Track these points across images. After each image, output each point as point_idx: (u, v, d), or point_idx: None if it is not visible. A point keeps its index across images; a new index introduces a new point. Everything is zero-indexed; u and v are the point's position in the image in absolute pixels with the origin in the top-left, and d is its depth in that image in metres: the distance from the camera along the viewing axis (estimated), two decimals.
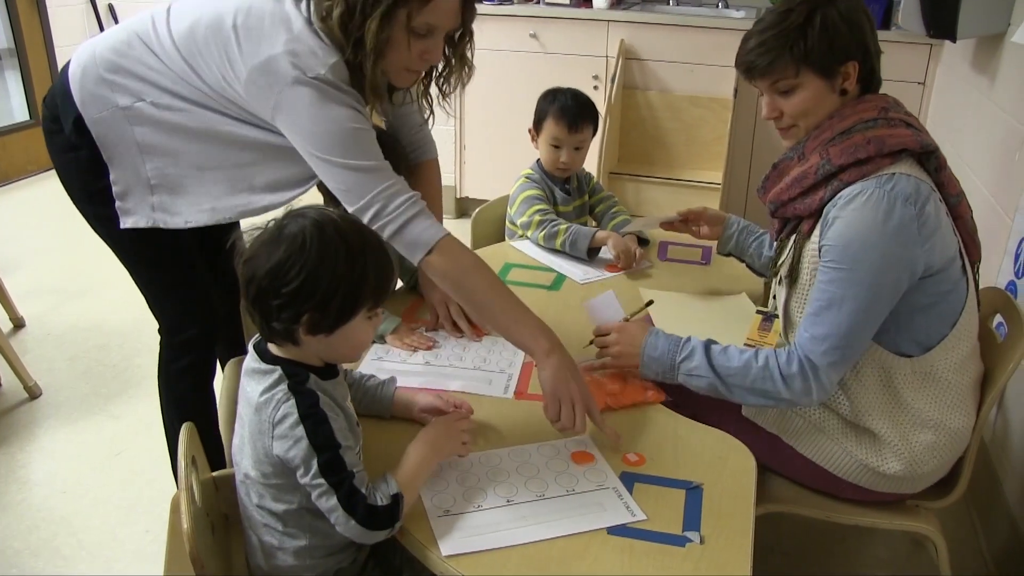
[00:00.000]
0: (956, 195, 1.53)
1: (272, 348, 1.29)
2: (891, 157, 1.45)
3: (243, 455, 1.31)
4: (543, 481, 1.37)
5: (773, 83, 1.52)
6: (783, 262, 1.61)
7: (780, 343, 1.67)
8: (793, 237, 1.59)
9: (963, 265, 1.52)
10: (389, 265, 1.29)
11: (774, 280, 1.68)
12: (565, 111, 2.31)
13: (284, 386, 1.24)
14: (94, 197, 1.74)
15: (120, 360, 2.99)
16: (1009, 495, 2.07)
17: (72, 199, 1.80)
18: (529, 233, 2.32)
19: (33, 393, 2.75)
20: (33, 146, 5.01)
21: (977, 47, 2.90)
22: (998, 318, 1.70)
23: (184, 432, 1.32)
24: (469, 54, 1.72)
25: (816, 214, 1.52)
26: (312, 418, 1.22)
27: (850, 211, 1.42)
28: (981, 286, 1.63)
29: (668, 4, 4.29)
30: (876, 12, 3.57)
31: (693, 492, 1.35)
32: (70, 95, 1.67)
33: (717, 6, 4.22)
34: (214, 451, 1.90)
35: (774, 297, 1.73)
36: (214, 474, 1.45)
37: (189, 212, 1.73)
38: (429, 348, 1.75)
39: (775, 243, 1.68)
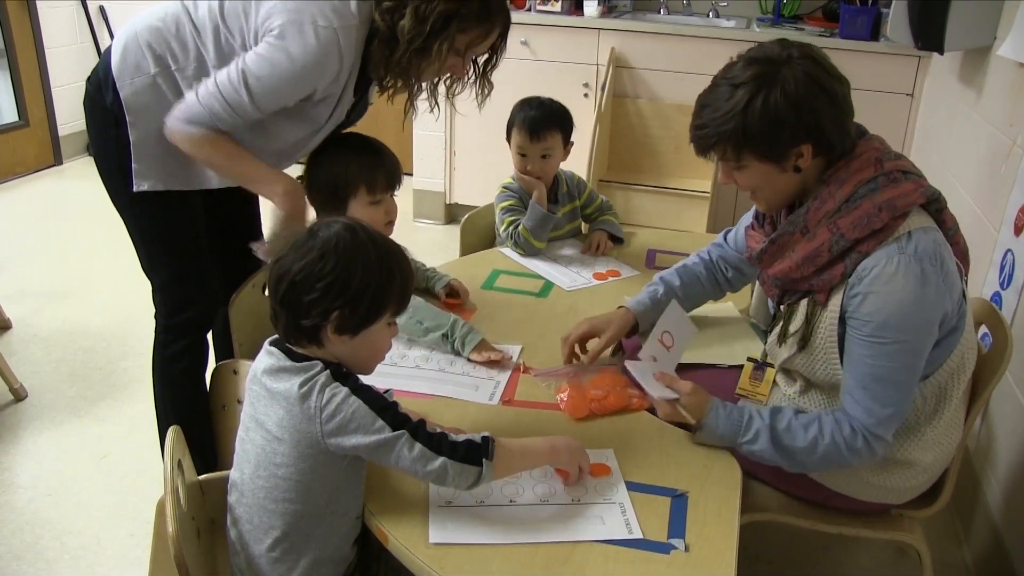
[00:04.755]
0: (952, 228, 1.50)
1: (298, 351, 1.31)
2: (904, 215, 1.41)
3: (266, 455, 1.29)
4: (551, 487, 1.38)
5: (719, 159, 1.49)
6: (796, 330, 1.54)
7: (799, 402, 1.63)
8: (804, 303, 1.53)
9: (963, 289, 1.51)
10: (410, 273, 1.35)
11: (770, 337, 1.64)
12: (527, 120, 2.34)
13: (327, 373, 1.26)
14: (127, 175, 1.80)
15: (106, 363, 2.98)
16: (992, 504, 2.09)
17: (101, 174, 1.87)
18: (509, 245, 2.37)
19: (18, 395, 2.73)
20: (21, 147, 4.99)
21: (964, 60, 2.92)
22: (983, 329, 1.71)
23: (170, 435, 1.32)
24: (490, 75, 1.88)
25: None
26: (361, 390, 1.27)
27: (882, 285, 1.38)
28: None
29: (659, 13, 4.31)
30: (865, 23, 3.60)
31: (678, 500, 1.36)
32: (111, 64, 1.75)
33: (708, 15, 4.24)
34: (207, 447, 1.91)
35: (766, 352, 1.70)
36: (201, 478, 1.45)
37: (203, 176, 1.83)
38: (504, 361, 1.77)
39: (777, 307, 1.62)
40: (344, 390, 1.25)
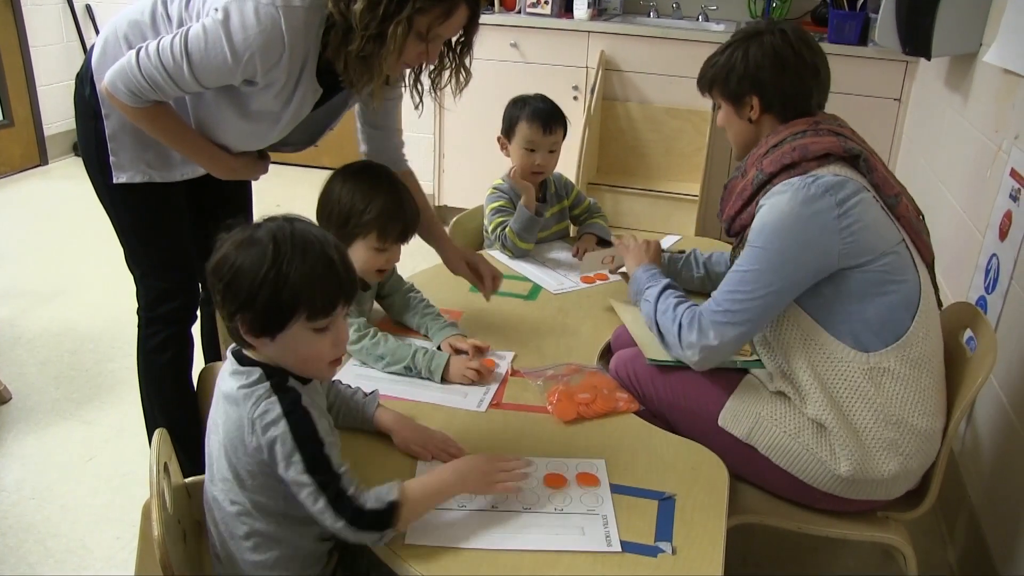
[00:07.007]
0: (894, 195, 1.60)
1: (248, 354, 1.30)
2: (818, 161, 1.55)
3: (218, 459, 1.29)
4: (536, 494, 1.37)
5: (709, 97, 1.77)
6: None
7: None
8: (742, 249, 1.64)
9: (913, 262, 1.57)
10: (328, 275, 1.23)
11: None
12: (538, 113, 2.34)
13: (266, 384, 1.24)
14: (106, 168, 1.82)
15: (92, 365, 2.96)
16: (977, 507, 2.10)
17: (85, 167, 1.88)
18: (497, 247, 2.37)
19: (3, 398, 2.70)
20: (7, 147, 4.95)
21: (951, 65, 2.94)
22: (968, 332, 1.72)
23: (156, 437, 1.31)
24: (467, 62, 1.81)
25: None
26: (294, 414, 1.23)
27: (772, 199, 1.55)
28: (952, 300, 1.65)
29: (648, 16, 4.32)
30: (853, 28, 3.61)
31: (665, 502, 1.36)
32: (92, 59, 1.78)
33: (697, 19, 4.25)
34: (195, 444, 1.91)
35: None
36: (187, 480, 1.44)
37: (181, 166, 1.85)
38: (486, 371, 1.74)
39: (733, 258, 1.71)
40: (277, 409, 1.22)
